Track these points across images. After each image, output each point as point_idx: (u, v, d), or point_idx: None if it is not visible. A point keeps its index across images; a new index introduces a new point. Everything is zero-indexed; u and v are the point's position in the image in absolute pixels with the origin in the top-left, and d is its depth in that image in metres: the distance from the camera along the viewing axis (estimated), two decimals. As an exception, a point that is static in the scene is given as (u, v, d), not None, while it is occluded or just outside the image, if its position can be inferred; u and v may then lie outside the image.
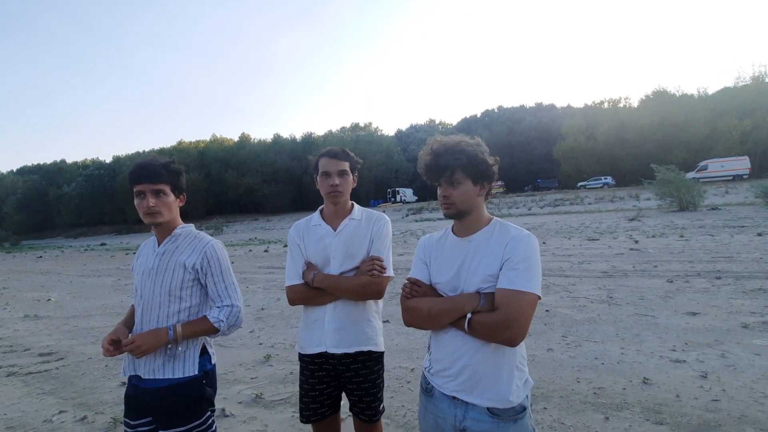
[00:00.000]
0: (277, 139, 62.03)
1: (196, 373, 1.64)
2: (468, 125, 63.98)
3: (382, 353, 1.82)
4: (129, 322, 1.71)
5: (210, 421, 1.68)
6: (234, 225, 43.12)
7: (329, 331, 1.73)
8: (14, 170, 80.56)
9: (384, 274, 1.71)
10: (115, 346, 1.55)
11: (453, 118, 78.13)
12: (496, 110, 66.10)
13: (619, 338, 4.38)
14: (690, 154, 39.27)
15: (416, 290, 1.38)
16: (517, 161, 53.93)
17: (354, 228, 1.78)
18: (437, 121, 72.33)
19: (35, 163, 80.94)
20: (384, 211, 2.03)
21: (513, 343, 1.20)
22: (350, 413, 1.83)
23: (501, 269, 1.23)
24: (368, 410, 1.76)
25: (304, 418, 1.79)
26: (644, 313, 5.23)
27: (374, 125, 65.91)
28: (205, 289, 1.69)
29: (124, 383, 3.99)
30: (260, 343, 5.07)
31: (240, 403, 3.42)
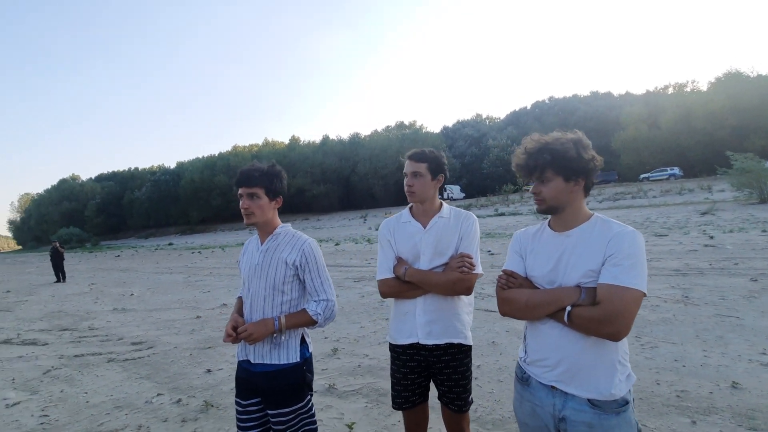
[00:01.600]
0: (326, 140, 63.59)
1: (298, 359, 1.80)
2: (517, 118, 61.94)
3: (470, 347, 1.88)
4: (241, 312, 1.89)
5: (310, 404, 1.83)
6: (286, 225, 44.69)
7: (420, 323, 1.82)
8: (92, 178, 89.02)
9: (473, 272, 1.77)
10: (235, 332, 1.74)
11: (501, 112, 75.95)
12: (547, 101, 63.43)
13: (700, 340, 4.13)
14: (770, 140, 35.42)
15: (512, 281, 1.43)
16: (570, 154, 51.18)
17: (443, 226, 1.85)
18: (484, 116, 70.66)
19: (111, 170, 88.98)
20: None
21: (616, 338, 1.22)
22: (439, 402, 1.92)
23: (603, 265, 1.25)
24: (458, 401, 1.84)
25: (396, 405, 1.91)
26: (726, 314, 4.87)
27: (419, 123, 65.63)
28: (303, 284, 1.84)
29: (209, 370, 4.36)
30: (326, 337, 5.31)
31: (315, 392, 3.62)
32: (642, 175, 39.34)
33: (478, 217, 1.96)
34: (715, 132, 38.17)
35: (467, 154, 56.46)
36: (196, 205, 61.49)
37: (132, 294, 10.49)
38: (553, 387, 1.33)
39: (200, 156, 71.42)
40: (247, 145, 72.70)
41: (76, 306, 9.27)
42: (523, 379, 1.45)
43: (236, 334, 1.73)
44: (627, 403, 1.27)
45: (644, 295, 1.22)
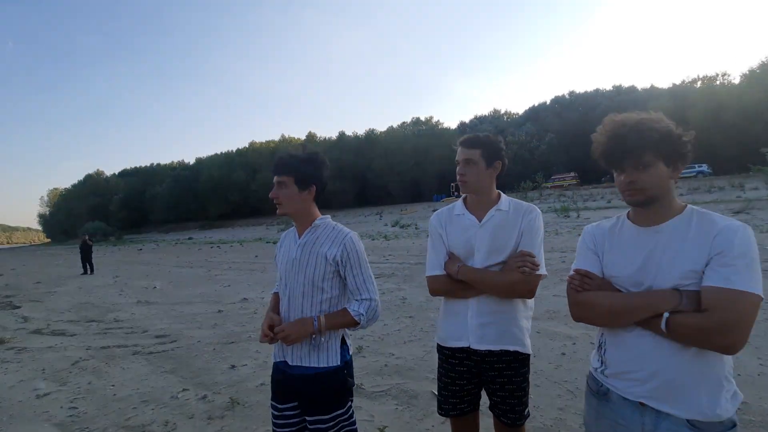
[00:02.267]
0: (342, 136, 63.65)
1: (339, 363, 1.67)
2: (536, 113, 60.60)
3: (528, 355, 1.69)
4: (276, 310, 1.77)
5: (351, 411, 1.71)
6: (303, 220, 44.99)
7: (472, 326, 1.65)
8: (116, 173, 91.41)
9: (536, 272, 1.58)
10: (272, 332, 1.61)
11: (519, 107, 74.68)
12: (567, 96, 61.76)
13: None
14: (808, 136, 33.69)
15: (588, 283, 1.25)
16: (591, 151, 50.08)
17: (501, 220, 1.66)
18: (502, 111, 69.56)
19: (134, 166, 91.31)
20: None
21: (731, 350, 1.04)
22: (490, 413, 1.76)
23: (708, 264, 1.07)
24: (511, 413, 1.66)
25: (443, 411, 1.75)
26: (778, 318, 4.55)
27: (435, 119, 65.00)
28: (343, 281, 1.70)
29: (233, 366, 4.29)
30: (349, 335, 5.19)
31: (343, 392, 3.51)
32: (668, 172, 38.06)
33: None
34: (749, 127, 36.62)
35: (485, 150, 55.65)
36: (215, 201, 62.48)
37: (155, 287, 10.62)
38: (641, 403, 1.16)
39: (218, 152, 72.66)
40: (264, 141, 73.43)
41: (102, 298, 9.42)
42: (599, 393, 1.27)
43: (273, 333, 1.61)
44: (734, 425, 1.09)
45: (761, 299, 1.03)
